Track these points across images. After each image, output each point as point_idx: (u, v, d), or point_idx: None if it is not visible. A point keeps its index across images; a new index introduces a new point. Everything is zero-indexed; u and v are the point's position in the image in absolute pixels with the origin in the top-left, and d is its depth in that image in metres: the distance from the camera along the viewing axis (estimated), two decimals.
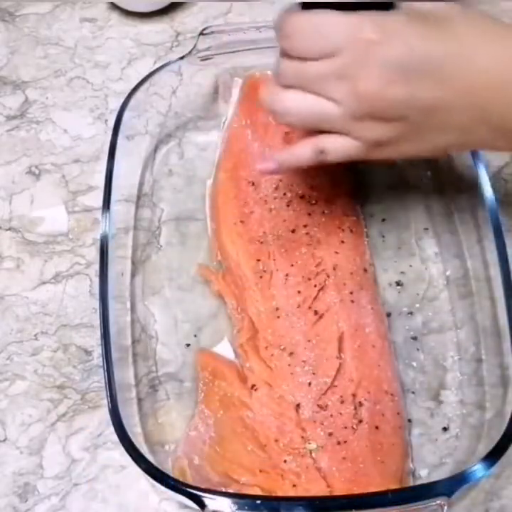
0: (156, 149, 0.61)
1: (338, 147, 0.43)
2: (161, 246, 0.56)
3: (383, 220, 0.57)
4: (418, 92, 0.40)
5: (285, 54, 0.43)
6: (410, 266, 0.55)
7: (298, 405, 0.46)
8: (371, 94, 0.40)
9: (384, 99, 0.40)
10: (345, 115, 0.41)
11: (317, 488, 0.44)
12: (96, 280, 0.54)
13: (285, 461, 0.45)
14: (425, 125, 0.41)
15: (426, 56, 0.39)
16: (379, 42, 0.39)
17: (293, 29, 0.41)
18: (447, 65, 0.39)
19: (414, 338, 0.52)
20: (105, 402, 0.45)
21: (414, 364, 0.51)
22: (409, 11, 0.40)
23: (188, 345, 0.52)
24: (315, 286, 0.50)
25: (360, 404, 0.46)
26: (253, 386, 0.47)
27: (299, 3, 0.42)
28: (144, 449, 0.43)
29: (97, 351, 0.52)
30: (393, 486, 0.44)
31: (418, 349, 0.51)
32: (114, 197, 0.51)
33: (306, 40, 0.41)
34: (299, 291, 0.50)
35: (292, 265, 0.51)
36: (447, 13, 0.41)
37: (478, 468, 0.41)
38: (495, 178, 0.58)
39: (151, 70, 0.58)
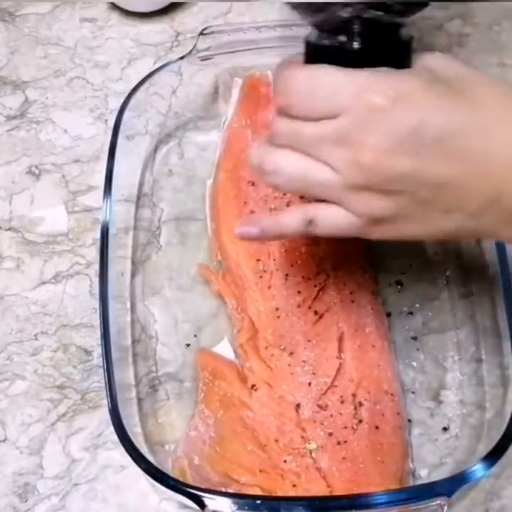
0: (156, 149, 0.61)
1: (330, 219, 0.39)
2: (161, 246, 0.56)
3: None
4: (427, 166, 0.35)
5: (281, 111, 0.39)
6: (410, 266, 0.55)
7: (298, 405, 0.46)
8: (374, 165, 0.36)
9: (388, 171, 0.36)
10: (341, 184, 0.37)
11: (317, 488, 0.44)
12: (96, 280, 0.54)
13: (285, 461, 0.45)
14: (431, 204, 0.37)
15: (440, 129, 0.35)
16: (388, 109, 0.35)
17: (291, 86, 0.38)
18: (463, 139, 0.35)
19: (414, 338, 0.52)
20: (105, 402, 0.45)
21: (414, 364, 0.51)
22: (425, 72, 0.36)
23: (188, 345, 0.52)
24: (315, 286, 0.50)
25: (360, 404, 0.46)
26: (253, 386, 0.48)
27: (303, 54, 0.39)
28: (144, 449, 0.44)
29: (97, 351, 0.52)
30: (393, 486, 0.44)
31: (418, 349, 0.51)
32: (114, 197, 0.51)
33: (304, 100, 0.37)
34: (299, 291, 0.50)
35: (292, 265, 0.51)
36: (469, 81, 0.37)
37: (478, 468, 0.41)
38: None
39: (151, 70, 0.58)
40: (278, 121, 0.39)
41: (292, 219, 0.40)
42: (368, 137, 0.35)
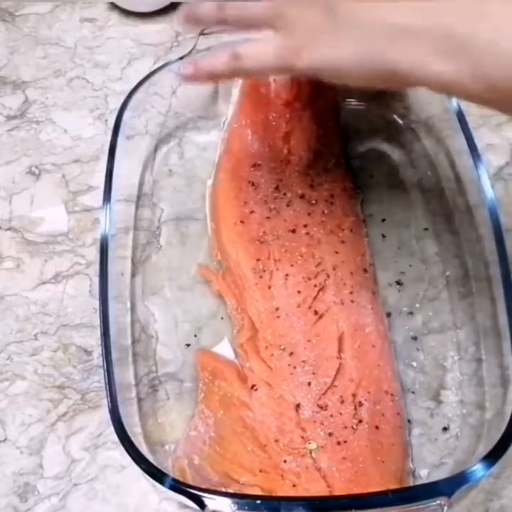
0: (156, 149, 0.61)
1: (254, 52, 0.42)
2: (161, 246, 0.56)
3: (383, 220, 0.57)
4: None
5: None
6: (410, 266, 0.55)
7: (298, 405, 0.46)
8: None
9: None
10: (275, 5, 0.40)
11: (317, 488, 0.44)
12: (96, 280, 0.54)
13: (285, 461, 0.45)
14: (349, 24, 0.37)
15: None
16: None
17: None
18: None
19: (414, 338, 0.52)
20: (105, 402, 0.45)
21: (414, 364, 0.51)
22: None
23: (188, 345, 0.52)
24: (315, 286, 0.50)
25: (360, 404, 0.46)
26: (253, 386, 0.48)
27: None
28: (143, 449, 0.43)
29: (97, 351, 0.52)
30: (393, 486, 0.44)
31: (418, 349, 0.51)
32: (114, 197, 0.51)
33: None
34: (299, 291, 0.50)
35: (292, 265, 0.51)
36: None
37: (478, 468, 0.41)
38: (495, 178, 0.58)
39: (151, 70, 0.58)
40: None
41: (221, 55, 0.45)
42: None
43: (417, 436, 0.48)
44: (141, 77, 0.57)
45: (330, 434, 0.45)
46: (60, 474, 0.48)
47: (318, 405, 0.46)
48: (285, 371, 0.47)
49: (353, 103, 0.62)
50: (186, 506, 0.44)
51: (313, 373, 0.47)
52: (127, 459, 0.42)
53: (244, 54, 0.43)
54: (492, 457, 0.41)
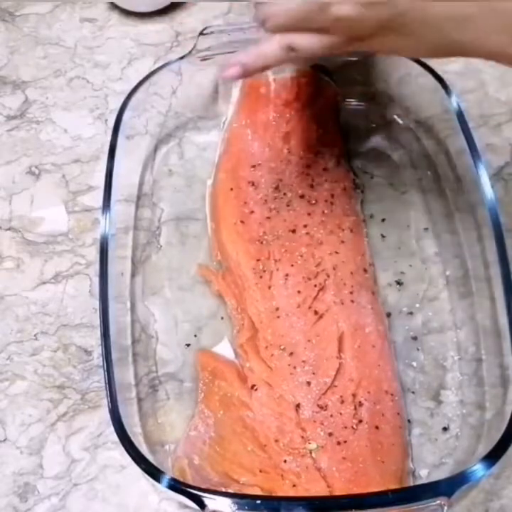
0: (156, 149, 0.61)
1: (309, 41, 0.41)
2: (161, 246, 0.56)
3: (383, 220, 0.57)
4: None
5: None
6: (410, 266, 0.55)
7: (298, 405, 0.46)
8: None
9: None
10: (320, 9, 0.39)
11: (317, 488, 0.44)
12: (96, 280, 0.54)
13: (285, 461, 0.45)
14: (416, 17, 0.38)
15: None
16: None
17: None
18: None
19: (414, 338, 0.52)
20: (105, 402, 0.45)
21: (414, 364, 0.51)
22: None
23: (188, 345, 0.52)
24: (315, 286, 0.50)
25: (360, 404, 0.46)
26: (253, 386, 0.48)
27: None
28: (143, 449, 0.43)
29: (97, 351, 0.52)
30: (393, 486, 0.44)
31: (418, 349, 0.51)
32: (114, 197, 0.51)
33: None
34: (299, 291, 0.50)
35: (292, 265, 0.51)
36: None
37: (478, 468, 0.41)
38: (495, 178, 0.58)
39: (151, 70, 0.58)
40: None
41: (272, 47, 0.43)
42: None
43: (417, 436, 0.48)
44: (141, 77, 0.57)
45: (330, 434, 0.45)
46: (60, 474, 0.48)
47: (318, 405, 0.46)
48: (285, 371, 0.47)
49: (353, 103, 0.62)
50: (186, 506, 0.44)
51: (313, 373, 0.47)
52: (127, 459, 0.42)
53: (299, 44, 0.41)
54: (492, 457, 0.41)
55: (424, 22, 0.39)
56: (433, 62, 0.56)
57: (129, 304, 0.52)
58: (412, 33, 0.39)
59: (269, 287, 0.50)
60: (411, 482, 0.46)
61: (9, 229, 0.58)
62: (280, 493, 0.44)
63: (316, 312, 0.49)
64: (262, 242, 0.52)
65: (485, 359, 0.49)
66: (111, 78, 0.65)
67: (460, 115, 0.53)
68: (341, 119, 0.60)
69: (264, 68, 0.45)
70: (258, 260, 0.52)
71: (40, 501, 0.47)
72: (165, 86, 0.60)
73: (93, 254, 0.56)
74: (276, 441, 0.45)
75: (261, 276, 0.51)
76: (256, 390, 0.47)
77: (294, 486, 0.44)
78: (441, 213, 0.56)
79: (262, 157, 0.56)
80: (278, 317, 0.49)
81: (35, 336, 0.53)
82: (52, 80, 0.65)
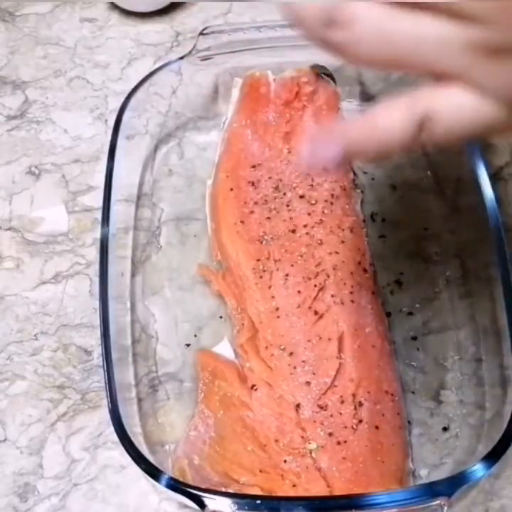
0: (156, 149, 0.61)
1: (453, 110, 0.25)
2: (161, 246, 0.56)
3: (383, 220, 0.57)
4: None
5: None
6: (410, 266, 0.55)
7: (298, 405, 0.46)
8: None
9: None
10: (472, 46, 0.23)
11: (317, 488, 0.44)
12: (96, 280, 0.54)
13: (285, 461, 0.45)
14: None
15: None
16: None
17: None
18: None
19: (414, 338, 0.52)
20: (105, 402, 0.45)
21: (414, 364, 0.51)
22: None
23: (188, 345, 0.52)
24: (315, 286, 0.50)
25: (360, 404, 0.46)
26: (253, 386, 0.48)
27: None
28: (143, 449, 0.43)
29: (97, 351, 0.52)
30: (393, 486, 0.44)
31: (418, 349, 0.51)
32: (114, 197, 0.51)
33: None
34: (299, 291, 0.50)
35: (292, 265, 0.51)
36: None
37: (478, 468, 0.41)
38: (495, 178, 0.58)
39: (151, 70, 0.58)
40: None
41: (395, 121, 0.26)
42: None
43: (417, 436, 0.48)
44: (141, 77, 0.57)
45: (330, 434, 0.45)
46: (60, 474, 0.48)
47: (318, 405, 0.46)
48: (285, 371, 0.47)
49: (353, 103, 0.62)
50: (186, 506, 0.44)
51: (313, 373, 0.47)
52: (127, 459, 0.42)
53: (436, 115, 0.25)
54: (492, 457, 0.41)
55: None
56: None
57: (129, 304, 0.52)
58: None
59: (269, 287, 0.50)
60: (411, 482, 0.46)
61: (9, 229, 0.58)
62: (280, 493, 0.44)
63: (316, 312, 0.49)
64: (262, 242, 0.52)
65: (485, 359, 0.49)
66: (111, 78, 0.65)
67: None
68: (341, 119, 0.60)
69: (378, 156, 0.28)
70: (258, 260, 0.52)
71: (40, 501, 0.47)
72: (165, 86, 0.60)
73: (93, 254, 0.56)
74: (276, 441, 0.45)
75: (261, 276, 0.51)
76: (256, 390, 0.47)
77: (294, 486, 0.44)
78: (441, 213, 0.56)
79: (262, 157, 0.56)
80: (278, 317, 0.49)
81: (35, 335, 0.53)
82: (52, 80, 0.65)
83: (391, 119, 0.26)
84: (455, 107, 0.25)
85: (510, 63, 0.23)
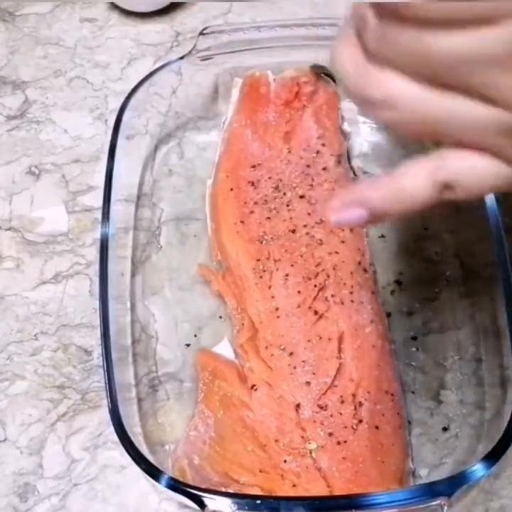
0: (156, 149, 0.61)
1: (476, 175, 0.26)
2: (161, 246, 0.56)
3: None
4: None
5: (387, 13, 0.24)
6: (410, 266, 0.55)
7: (298, 405, 0.46)
8: None
9: None
10: (499, 128, 0.25)
11: (317, 488, 0.44)
12: (96, 280, 0.54)
13: (285, 461, 0.45)
14: None
15: None
16: None
17: None
18: None
19: (414, 338, 0.52)
20: (105, 402, 0.45)
21: (414, 364, 0.51)
22: None
23: (188, 345, 0.52)
24: (315, 286, 0.50)
25: (360, 404, 0.46)
26: (253, 386, 0.48)
27: None
28: (143, 449, 0.43)
29: (97, 351, 0.52)
30: (393, 486, 0.44)
31: (418, 349, 0.51)
32: (114, 197, 0.51)
33: None
34: (299, 291, 0.50)
35: (292, 265, 0.51)
36: None
37: (478, 468, 0.41)
38: None
39: (151, 70, 0.58)
40: (381, 27, 0.25)
41: (418, 185, 0.27)
42: None
43: (417, 436, 0.48)
44: (141, 77, 0.57)
45: (330, 434, 0.45)
46: (60, 474, 0.48)
47: (318, 405, 0.46)
48: (285, 371, 0.47)
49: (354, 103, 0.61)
50: (186, 506, 0.44)
51: (314, 373, 0.47)
52: (127, 459, 0.42)
53: (458, 180, 0.27)
54: (492, 457, 0.41)
55: None
56: None
57: (129, 304, 0.52)
58: None
59: (269, 287, 0.50)
60: (411, 482, 0.46)
61: (9, 229, 0.58)
62: (280, 493, 0.44)
63: (316, 312, 0.49)
64: (262, 242, 0.52)
65: (485, 359, 0.49)
66: (111, 78, 0.65)
67: None
68: (341, 119, 0.60)
69: (404, 213, 0.29)
70: (258, 260, 0.52)
71: (40, 501, 0.47)
72: (165, 86, 0.60)
73: (93, 254, 0.56)
74: (276, 441, 0.45)
75: (261, 276, 0.51)
76: (256, 390, 0.47)
77: (294, 486, 0.44)
78: (441, 213, 0.56)
79: (262, 157, 0.56)
80: (278, 317, 0.49)
81: (35, 335, 0.53)
82: (52, 80, 0.65)
83: (414, 185, 0.27)
84: (477, 173, 0.26)
85: None
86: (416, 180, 0.27)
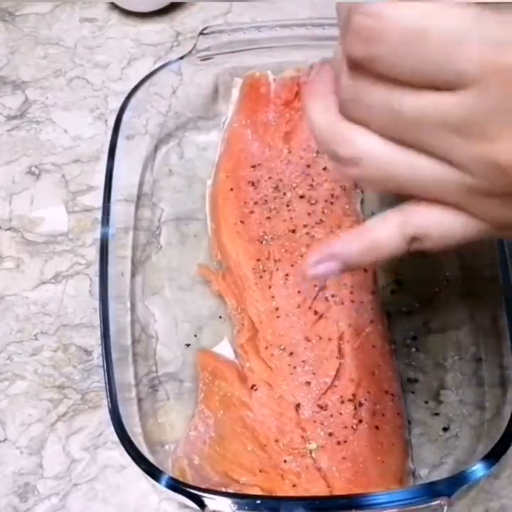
0: (156, 149, 0.61)
1: (443, 229, 0.27)
2: (161, 246, 0.56)
3: None
4: None
5: (360, 65, 0.25)
6: (410, 266, 0.54)
7: (298, 405, 0.46)
8: None
9: None
10: (463, 187, 0.25)
11: (317, 488, 0.44)
12: (96, 280, 0.54)
13: (285, 461, 0.45)
14: None
15: None
16: None
17: (383, 26, 0.23)
18: None
19: (414, 338, 0.52)
20: (105, 402, 0.45)
21: (414, 364, 0.51)
22: None
23: (188, 345, 0.52)
24: (315, 286, 0.50)
25: (360, 404, 0.46)
26: (253, 386, 0.48)
27: None
28: (143, 449, 0.43)
29: (97, 351, 0.52)
30: (393, 486, 0.44)
31: (418, 349, 0.51)
32: (114, 197, 0.51)
33: (408, 51, 0.23)
34: (299, 291, 0.50)
35: (292, 265, 0.51)
36: None
37: (478, 468, 0.41)
38: None
39: (151, 70, 0.58)
40: (356, 82, 0.25)
41: (388, 235, 0.28)
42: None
43: (417, 436, 0.48)
44: (141, 77, 0.57)
45: (330, 434, 0.45)
46: (60, 474, 0.48)
47: (318, 405, 0.46)
48: (285, 371, 0.47)
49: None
50: (186, 506, 0.44)
51: (313, 373, 0.47)
52: (127, 459, 0.42)
53: (426, 233, 0.27)
54: (492, 457, 0.41)
55: None
56: None
57: (129, 304, 0.52)
58: None
59: (269, 287, 0.50)
60: (411, 482, 0.46)
61: (9, 229, 0.58)
62: (280, 493, 0.44)
63: (316, 312, 0.49)
64: (262, 242, 0.52)
65: (485, 359, 0.49)
66: (111, 78, 0.65)
67: None
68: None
69: (376, 263, 0.31)
70: (258, 260, 0.52)
71: (40, 501, 0.47)
72: (165, 86, 0.60)
73: (93, 254, 0.56)
74: (276, 441, 0.46)
75: (261, 276, 0.51)
76: (256, 390, 0.47)
77: (294, 486, 0.44)
78: None
79: (262, 157, 0.56)
80: (278, 317, 0.49)
81: (35, 335, 0.53)
82: (52, 80, 0.65)
83: (384, 238, 0.28)
84: (445, 227, 0.27)
85: (503, 203, 0.25)
86: (385, 234, 0.28)
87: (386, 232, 0.28)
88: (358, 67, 0.25)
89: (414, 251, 0.28)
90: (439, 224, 0.27)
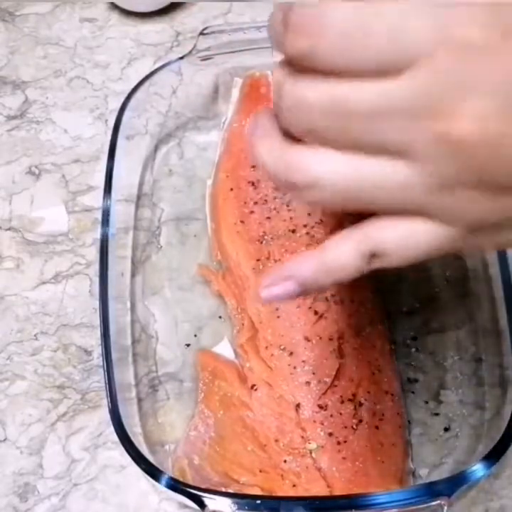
0: (156, 149, 0.61)
1: (404, 243, 0.25)
2: (161, 246, 0.56)
3: None
4: None
5: (301, 64, 0.24)
6: (410, 266, 0.54)
7: (298, 405, 0.46)
8: (479, 142, 0.22)
9: (503, 152, 0.22)
10: (423, 184, 0.24)
11: (317, 488, 0.44)
12: (96, 280, 0.54)
13: (285, 461, 0.45)
14: None
15: None
16: (497, 49, 0.21)
17: (322, 16, 0.23)
18: None
19: (414, 338, 0.52)
20: (105, 402, 0.45)
21: (414, 364, 0.51)
22: None
23: (188, 345, 0.52)
24: None
25: (360, 404, 0.46)
26: (253, 386, 0.48)
27: None
28: (143, 449, 0.43)
29: (97, 351, 0.52)
30: (393, 486, 0.44)
31: (418, 349, 0.51)
32: (114, 197, 0.51)
33: (348, 38, 0.22)
34: None
35: None
36: None
37: (478, 468, 0.41)
38: None
39: (151, 70, 0.58)
40: (291, 86, 0.25)
41: (346, 255, 0.27)
42: (467, 99, 0.21)
43: (417, 436, 0.48)
44: (141, 77, 0.57)
45: (330, 434, 0.45)
46: (60, 474, 0.48)
47: (318, 405, 0.46)
48: (285, 371, 0.47)
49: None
50: (186, 506, 0.44)
51: (313, 373, 0.47)
52: (127, 459, 0.42)
53: (386, 250, 0.26)
54: (492, 457, 0.41)
55: None
56: None
57: (129, 304, 0.52)
58: None
59: None
60: (411, 482, 0.46)
61: (9, 229, 0.58)
62: (280, 493, 0.44)
63: (316, 312, 0.49)
64: (262, 242, 0.52)
65: (485, 359, 0.49)
66: (111, 78, 0.65)
67: None
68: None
69: (335, 283, 0.29)
70: (258, 260, 0.52)
71: (40, 501, 0.47)
72: (165, 86, 0.60)
73: (93, 254, 0.56)
74: (276, 441, 0.46)
75: (261, 276, 0.51)
76: (256, 390, 0.47)
77: (294, 486, 0.44)
78: None
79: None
80: (278, 317, 0.49)
81: (35, 335, 0.53)
82: (52, 80, 0.65)
83: (342, 257, 0.26)
84: (406, 238, 0.25)
85: (470, 197, 0.23)
86: (342, 252, 0.27)
87: (343, 251, 0.27)
88: (299, 66, 0.24)
89: (377, 270, 0.27)
90: (398, 237, 0.25)
